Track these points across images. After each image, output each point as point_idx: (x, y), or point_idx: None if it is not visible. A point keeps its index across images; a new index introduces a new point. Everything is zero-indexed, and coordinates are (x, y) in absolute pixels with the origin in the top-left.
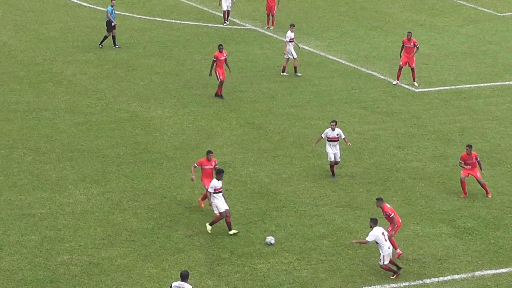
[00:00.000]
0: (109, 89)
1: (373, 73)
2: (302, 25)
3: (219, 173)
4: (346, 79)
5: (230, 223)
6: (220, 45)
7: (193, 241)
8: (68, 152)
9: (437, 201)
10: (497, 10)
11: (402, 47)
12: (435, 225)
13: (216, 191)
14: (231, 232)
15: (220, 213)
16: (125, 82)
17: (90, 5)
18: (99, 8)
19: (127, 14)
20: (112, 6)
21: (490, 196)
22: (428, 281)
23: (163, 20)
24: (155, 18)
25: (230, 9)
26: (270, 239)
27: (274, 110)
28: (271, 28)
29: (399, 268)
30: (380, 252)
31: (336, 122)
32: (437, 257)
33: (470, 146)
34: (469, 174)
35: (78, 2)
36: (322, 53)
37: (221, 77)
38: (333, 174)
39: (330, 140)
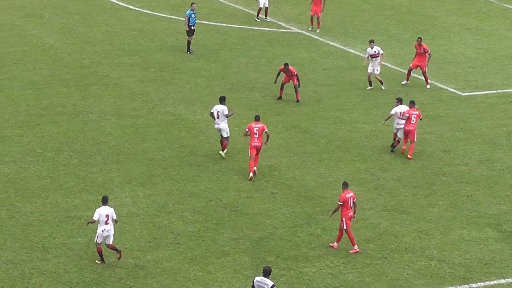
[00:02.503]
0: (155, 92)
1: (419, 76)
2: (348, 28)
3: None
4: (392, 82)
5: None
6: (286, 63)
7: (239, 244)
8: (114, 155)
9: (483, 205)
10: None
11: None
12: (482, 229)
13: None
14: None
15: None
16: (171, 85)
17: (137, 8)
18: (145, 11)
19: (173, 17)
20: (192, 10)
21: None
22: (474, 285)
23: (209, 23)
24: (201, 21)
25: (267, 5)
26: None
27: (320, 113)
28: (317, 31)
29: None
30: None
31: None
32: (483, 261)
33: None
34: None
35: (125, 5)
36: None
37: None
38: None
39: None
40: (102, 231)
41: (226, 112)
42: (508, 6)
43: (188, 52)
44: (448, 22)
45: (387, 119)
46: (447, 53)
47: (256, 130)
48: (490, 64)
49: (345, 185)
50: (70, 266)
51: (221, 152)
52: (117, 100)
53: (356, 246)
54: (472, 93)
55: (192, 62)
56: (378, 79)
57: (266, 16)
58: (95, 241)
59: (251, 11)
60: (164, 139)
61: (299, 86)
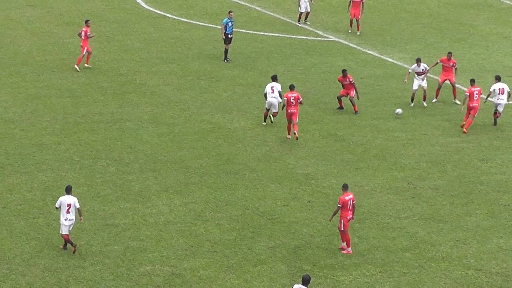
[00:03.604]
0: (192, 100)
1: (457, 85)
2: (386, 37)
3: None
4: (429, 91)
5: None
6: (344, 70)
7: (275, 252)
8: (151, 163)
9: None
10: None
11: (436, 63)
12: None
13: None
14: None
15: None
16: (208, 93)
17: (174, 16)
18: (183, 19)
19: (211, 25)
20: (229, 19)
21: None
22: None
23: (247, 31)
24: (238, 30)
25: (309, 10)
26: (398, 111)
27: (357, 122)
28: (357, 33)
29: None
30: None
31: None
32: None
33: None
34: None
35: (162, 13)
36: (405, 65)
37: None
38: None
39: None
40: (65, 219)
41: (280, 89)
42: None
43: (225, 60)
44: (486, 31)
45: (488, 96)
46: (485, 62)
47: (293, 99)
48: None
49: (345, 187)
50: (107, 274)
51: (272, 117)
52: (154, 108)
53: (350, 248)
54: (510, 102)
55: (229, 70)
56: (424, 95)
57: (306, 19)
58: (60, 231)
59: (288, 20)
60: (201, 147)
61: (358, 98)
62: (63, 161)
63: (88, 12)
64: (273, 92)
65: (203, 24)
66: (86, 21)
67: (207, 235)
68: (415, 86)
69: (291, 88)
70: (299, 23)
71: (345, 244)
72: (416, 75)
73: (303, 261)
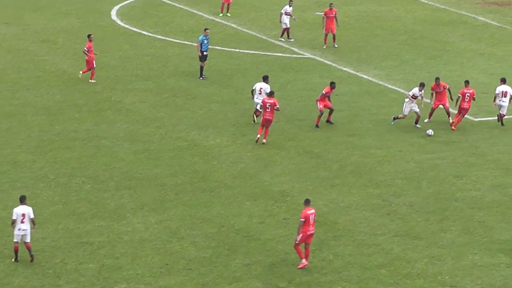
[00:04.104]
0: (168, 117)
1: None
2: (361, 54)
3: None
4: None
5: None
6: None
7: (251, 270)
8: (126, 181)
9: (496, 230)
10: None
11: (432, 94)
12: (494, 255)
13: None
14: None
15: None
16: (184, 111)
17: (150, 34)
18: (158, 36)
19: (186, 42)
20: (205, 36)
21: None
22: None
23: (222, 48)
24: (214, 47)
25: (288, 26)
26: (429, 132)
27: (332, 138)
28: (335, 46)
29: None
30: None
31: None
32: (495, 287)
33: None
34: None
35: (138, 30)
36: (381, 82)
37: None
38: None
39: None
40: (18, 229)
41: (268, 91)
42: None
43: (201, 78)
44: (461, 48)
45: (494, 99)
46: (460, 79)
47: (268, 105)
48: None
49: (307, 202)
50: None
51: (255, 117)
52: (130, 125)
53: (304, 260)
54: (484, 118)
55: (205, 87)
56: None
57: (288, 36)
58: (13, 240)
59: (264, 37)
60: (177, 164)
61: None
62: (38, 179)
63: (64, 30)
64: (260, 94)
65: (178, 41)
66: (89, 36)
67: (182, 252)
68: (406, 112)
69: (270, 94)
70: (283, 38)
71: (305, 260)
72: (411, 98)
73: (278, 278)
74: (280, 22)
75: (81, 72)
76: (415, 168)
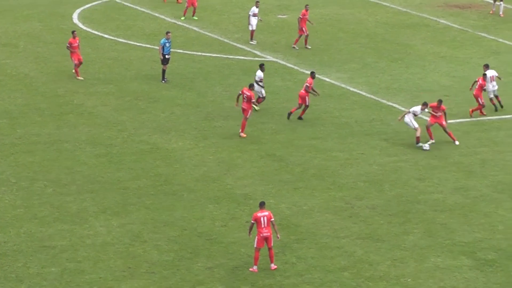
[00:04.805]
0: (130, 121)
1: (394, 105)
2: (324, 57)
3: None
4: (367, 111)
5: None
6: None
7: (214, 273)
8: (88, 184)
9: (458, 233)
10: None
11: (433, 114)
12: (456, 257)
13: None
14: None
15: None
16: (146, 114)
17: (112, 37)
18: (120, 40)
19: (148, 46)
20: (167, 39)
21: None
22: None
23: (185, 52)
24: (176, 50)
25: (254, 28)
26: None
27: (295, 142)
28: (308, 47)
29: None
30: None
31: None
32: None
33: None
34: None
35: (100, 34)
36: (343, 85)
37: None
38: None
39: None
40: None
41: (257, 78)
42: (482, 34)
43: (163, 81)
44: (422, 50)
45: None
46: (421, 81)
47: (245, 96)
48: (464, 92)
49: (261, 205)
50: None
51: (256, 107)
52: (92, 129)
53: (255, 267)
54: (448, 121)
55: (167, 90)
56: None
57: (251, 38)
58: None
59: (226, 40)
60: (139, 168)
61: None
62: None
63: (25, 33)
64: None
65: (140, 44)
66: (73, 32)
67: (145, 256)
68: (415, 125)
69: (250, 86)
70: (253, 41)
71: (255, 267)
72: (411, 114)
73: (241, 282)
74: (249, 24)
75: (74, 72)
76: (378, 170)
